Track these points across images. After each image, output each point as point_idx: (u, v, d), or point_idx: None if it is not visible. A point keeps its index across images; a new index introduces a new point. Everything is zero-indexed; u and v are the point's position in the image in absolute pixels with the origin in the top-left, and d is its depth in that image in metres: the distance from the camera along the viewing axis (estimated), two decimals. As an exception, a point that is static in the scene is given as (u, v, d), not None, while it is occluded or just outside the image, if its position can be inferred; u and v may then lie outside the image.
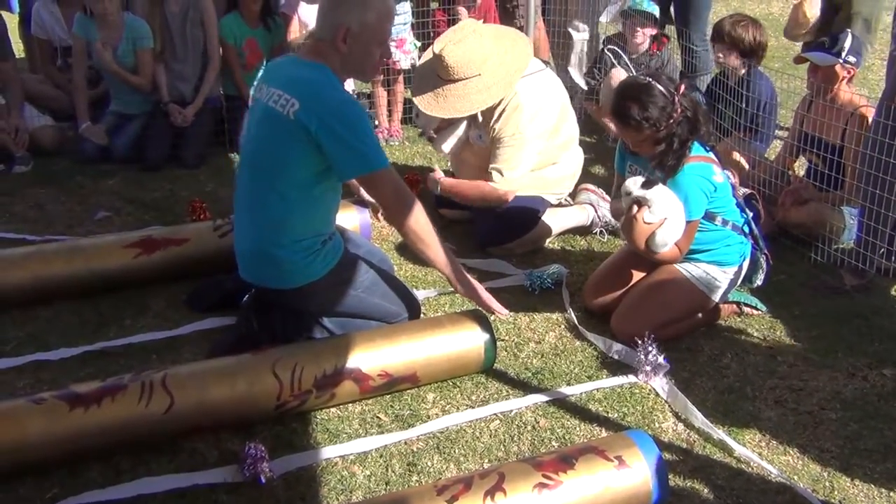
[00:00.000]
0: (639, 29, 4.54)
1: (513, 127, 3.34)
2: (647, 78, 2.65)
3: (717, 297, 2.88)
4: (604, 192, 3.71)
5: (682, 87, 2.66)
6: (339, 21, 2.45)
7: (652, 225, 2.68)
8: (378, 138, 2.52)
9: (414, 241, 2.62)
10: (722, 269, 2.85)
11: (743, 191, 2.93)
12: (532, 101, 3.37)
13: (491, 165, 3.41)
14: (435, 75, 3.35)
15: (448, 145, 3.60)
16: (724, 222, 2.82)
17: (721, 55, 4.04)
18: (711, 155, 2.80)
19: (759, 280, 3.00)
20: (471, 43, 3.27)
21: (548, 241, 3.62)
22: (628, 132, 2.69)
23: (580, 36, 5.15)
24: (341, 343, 2.52)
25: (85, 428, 2.17)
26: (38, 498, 2.13)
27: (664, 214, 2.67)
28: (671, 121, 2.61)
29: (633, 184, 2.70)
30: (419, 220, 2.57)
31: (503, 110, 3.35)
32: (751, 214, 2.91)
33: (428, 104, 3.37)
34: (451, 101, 3.28)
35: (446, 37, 3.33)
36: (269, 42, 4.51)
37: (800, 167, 3.87)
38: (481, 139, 3.50)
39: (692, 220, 2.72)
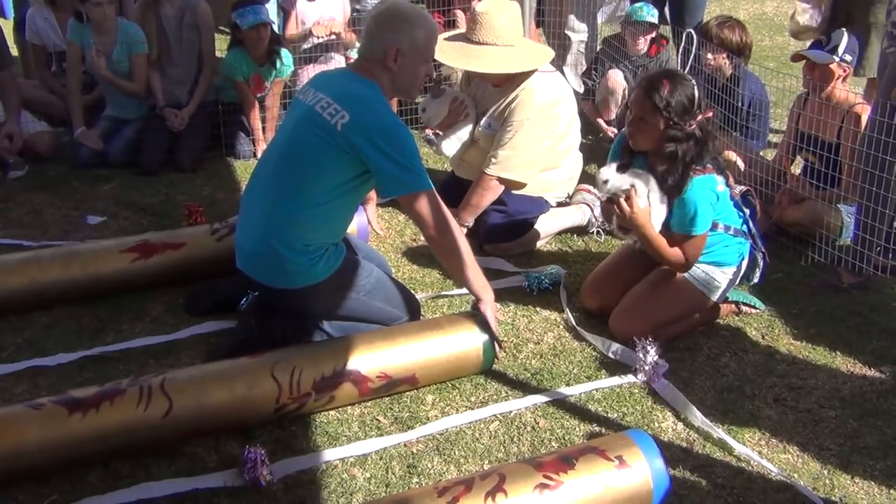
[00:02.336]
0: (640, 37, 4.55)
1: (526, 112, 3.36)
2: (693, 79, 2.66)
3: (715, 297, 2.88)
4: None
5: (710, 112, 2.68)
6: (390, 42, 2.54)
7: (646, 209, 2.70)
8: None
9: (449, 263, 2.72)
10: (721, 269, 2.85)
11: (739, 188, 2.93)
12: (548, 94, 3.41)
13: (493, 149, 3.42)
14: (464, 39, 3.38)
15: (451, 148, 3.60)
16: (726, 228, 2.82)
17: (710, 56, 4.05)
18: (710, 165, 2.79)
19: (756, 277, 3.00)
20: (512, 13, 3.35)
21: (545, 241, 3.62)
22: (644, 105, 2.65)
23: (577, 37, 5.16)
24: (340, 345, 2.52)
25: (84, 433, 2.16)
26: (37, 504, 2.13)
27: (645, 197, 2.70)
28: (686, 126, 2.61)
29: (611, 173, 2.70)
30: (457, 242, 2.63)
31: (519, 96, 3.37)
32: (748, 212, 2.91)
33: (462, 60, 3.37)
34: (487, 59, 3.27)
35: (486, 2, 3.36)
36: (274, 76, 4.49)
37: (796, 166, 3.88)
38: (490, 127, 3.49)
39: (700, 233, 2.71)
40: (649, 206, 2.72)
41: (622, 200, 2.69)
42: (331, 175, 2.55)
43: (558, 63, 5.26)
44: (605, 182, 2.74)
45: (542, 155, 3.47)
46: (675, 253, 2.76)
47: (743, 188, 2.94)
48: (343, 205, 2.67)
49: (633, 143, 2.77)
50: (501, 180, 3.42)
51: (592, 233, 3.66)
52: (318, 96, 2.58)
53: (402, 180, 2.54)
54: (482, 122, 3.53)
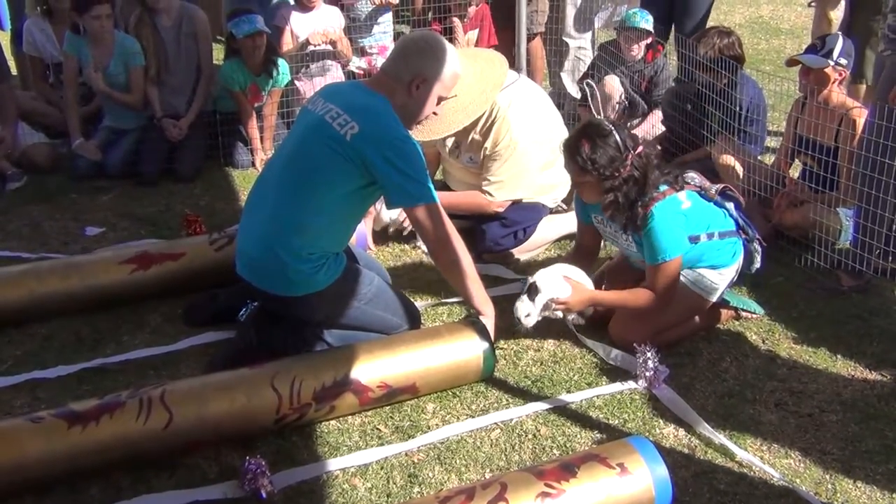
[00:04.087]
0: (635, 44, 4.56)
1: (506, 139, 3.35)
2: (612, 126, 2.65)
3: (714, 298, 2.88)
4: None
5: (641, 147, 2.65)
6: (420, 69, 2.60)
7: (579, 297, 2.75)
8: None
9: (452, 277, 2.73)
10: (717, 271, 2.85)
11: (714, 187, 2.92)
12: (516, 110, 3.37)
13: (485, 177, 3.42)
14: None
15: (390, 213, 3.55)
16: (709, 235, 2.80)
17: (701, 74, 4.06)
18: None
19: (755, 267, 2.98)
20: None
21: (544, 248, 3.62)
22: (574, 168, 2.69)
23: (575, 43, 5.17)
24: (340, 355, 2.51)
25: (84, 446, 2.15)
26: (38, 518, 2.12)
27: (566, 292, 2.73)
28: (618, 175, 2.61)
29: (527, 307, 2.74)
30: (459, 256, 2.65)
31: (489, 126, 3.36)
32: (732, 205, 2.89)
33: (414, 133, 3.35)
34: (428, 123, 3.20)
35: None
36: (270, 85, 4.49)
37: (794, 170, 3.88)
38: (472, 160, 3.50)
39: (669, 259, 2.67)
40: (566, 289, 2.74)
41: (561, 314, 2.77)
42: (338, 185, 2.56)
43: (556, 69, 5.28)
44: (528, 316, 2.75)
45: (538, 161, 3.47)
46: (640, 297, 2.74)
47: (718, 186, 2.93)
48: (348, 214, 2.69)
49: (583, 199, 2.86)
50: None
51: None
52: (328, 106, 2.60)
53: (409, 192, 2.56)
54: (463, 157, 3.52)
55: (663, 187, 2.69)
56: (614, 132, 2.62)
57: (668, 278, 2.69)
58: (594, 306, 2.84)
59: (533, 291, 2.74)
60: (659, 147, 4.45)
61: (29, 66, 4.96)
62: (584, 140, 2.62)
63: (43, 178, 4.31)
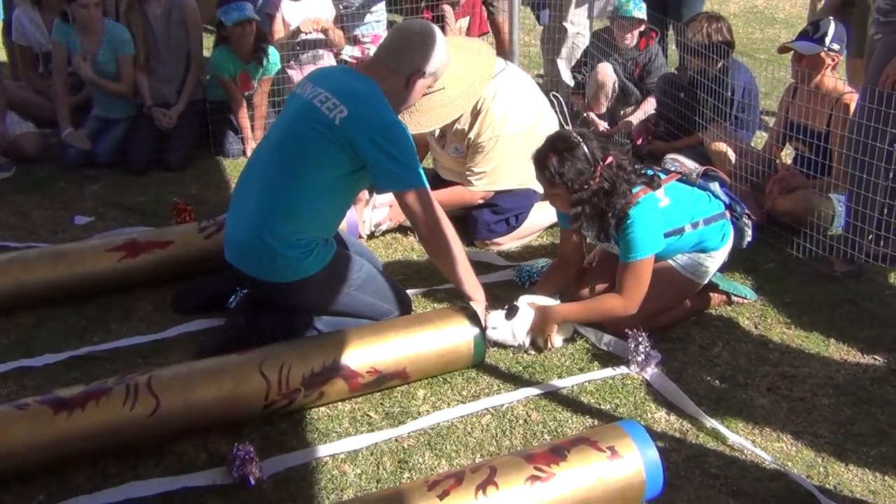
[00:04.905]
0: (628, 34, 4.54)
1: (488, 131, 3.33)
2: (580, 138, 2.61)
3: (704, 281, 2.87)
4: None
5: (610, 158, 2.61)
6: (420, 65, 2.61)
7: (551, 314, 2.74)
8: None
9: (441, 263, 2.71)
10: (707, 254, 2.83)
11: (697, 170, 2.90)
12: (501, 101, 3.34)
13: (468, 168, 3.41)
14: None
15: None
16: (694, 225, 2.77)
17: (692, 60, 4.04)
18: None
19: (748, 239, 2.95)
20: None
21: (536, 236, 3.61)
22: (543, 181, 2.67)
23: (573, 29, 5.13)
24: (329, 341, 2.50)
25: (70, 433, 2.13)
26: (23, 505, 2.10)
27: (528, 317, 2.71)
28: (586, 187, 2.58)
29: (497, 321, 2.72)
30: (449, 242, 2.63)
31: (475, 118, 3.33)
32: (716, 184, 2.87)
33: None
34: (416, 116, 3.19)
35: None
36: (260, 73, 4.46)
37: (787, 156, 3.87)
38: (458, 150, 3.48)
39: (640, 258, 2.63)
40: (529, 314, 2.72)
41: (542, 341, 2.74)
42: (327, 169, 2.54)
43: (550, 57, 5.25)
44: (494, 329, 2.72)
45: (522, 151, 3.44)
46: (607, 304, 2.71)
47: (700, 169, 2.90)
48: (337, 200, 2.66)
49: (557, 209, 2.84)
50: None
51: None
52: (317, 90, 2.57)
53: (398, 176, 2.54)
54: (449, 148, 3.50)
55: (637, 188, 2.64)
56: (582, 144, 2.58)
57: (636, 278, 2.65)
58: (572, 321, 2.79)
59: (511, 313, 2.73)
60: (652, 128, 4.44)
61: (18, 56, 4.92)
62: (552, 153, 2.59)
63: (32, 167, 4.28)
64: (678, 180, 2.84)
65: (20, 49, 4.83)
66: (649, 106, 4.60)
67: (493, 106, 3.32)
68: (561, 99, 4.48)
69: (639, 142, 4.46)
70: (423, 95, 3.13)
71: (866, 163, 2.93)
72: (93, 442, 2.17)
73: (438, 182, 3.66)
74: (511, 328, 2.72)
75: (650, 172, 2.73)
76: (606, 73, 4.63)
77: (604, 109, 4.75)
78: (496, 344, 2.75)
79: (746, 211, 2.93)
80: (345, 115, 2.49)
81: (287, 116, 2.67)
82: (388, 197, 3.50)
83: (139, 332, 2.84)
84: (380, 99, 2.56)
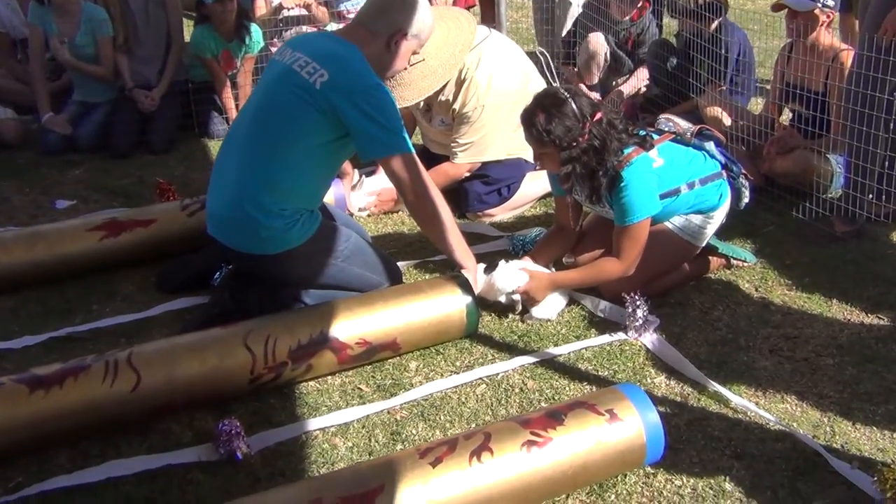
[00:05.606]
0: (626, 9, 4.45)
1: (474, 101, 3.25)
2: (567, 94, 2.52)
3: (702, 243, 2.79)
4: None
5: (599, 114, 2.52)
6: (400, 25, 2.52)
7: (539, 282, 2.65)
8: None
9: (430, 231, 2.64)
10: (704, 215, 2.75)
11: (690, 129, 2.81)
12: (485, 69, 3.25)
13: (454, 140, 3.33)
14: None
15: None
16: (690, 185, 2.69)
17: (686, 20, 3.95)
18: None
19: (745, 200, 2.88)
20: None
21: (529, 206, 3.53)
22: (531, 140, 2.58)
23: (578, 0, 5.01)
24: (316, 312, 2.42)
25: (47, 411, 2.05)
26: (0, 488, 2.01)
27: (522, 280, 2.63)
28: (575, 144, 2.49)
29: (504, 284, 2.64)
30: (438, 208, 2.55)
31: (459, 88, 3.25)
32: (712, 144, 2.78)
33: None
34: (398, 90, 3.12)
35: None
36: (243, 52, 4.36)
37: (784, 119, 3.78)
38: (444, 122, 3.40)
39: (636, 221, 2.55)
40: (523, 277, 2.64)
41: (527, 305, 2.67)
42: (308, 136, 2.45)
43: (545, 27, 5.14)
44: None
45: (510, 119, 3.35)
46: (605, 269, 2.64)
47: (694, 128, 2.82)
48: (321, 169, 2.57)
49: (547, 171, 2.75)
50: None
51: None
52: (296, 55, 2.49)
53: (382, 141, 2.45)
54: (434, 120, 3.42)
55: (629, 149, 2.56)
56: (570, 100, 2.49)
57: (634, 241, 2.58)
58: (564, 287, 2.71)
59: (491, 268, 2.66)
60: (644, 90, 4.35)
61: (-4, 43, 4.82)
62: (539, 111, 2.50)
63: (12, 153, 4.19)
64: (672, 140, 2.75)
65: (-3, 36, 4.73)
66: (642, 75, 4.52)
67: (476, 75, 3.23)
68: (548, 55, 4.38)
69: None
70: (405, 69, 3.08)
71: (866, 115, 2.84)
72: (72, 420, 2.08)
73: (427, 157, 3.57)
74: (492, 282, 2.63)
75: (642, 132, 2.65)
76: (598, 42, 4.55)
77: (595, 80, 4.66)
78: (494, 310, 2.66)
79: (743, 171, 2.84)
80: (325, 79, 2.40)
81: (266, 83, 2.58)
82: (377, 185, 3.42)
83: (122, 312, 2.76)
84: (362, 62, 2.47)
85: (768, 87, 4.06)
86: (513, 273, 2.64)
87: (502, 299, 2.67)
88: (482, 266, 2.68)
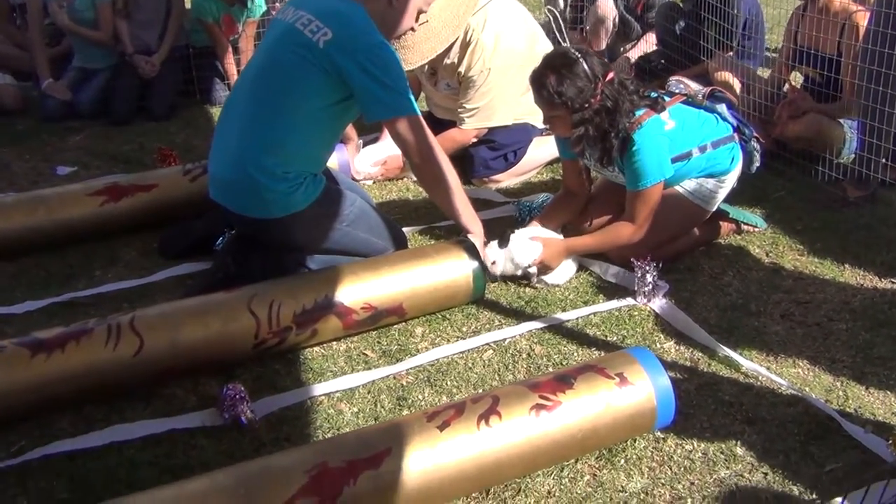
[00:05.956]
0: None
1: (480, 63, 3.18)
2: (578, 53, 2.45)
3: (713, 207, 2.74)
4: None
5: (611, 74, 2.45)
6: None
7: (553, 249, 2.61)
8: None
9: (435, 194, 2.58)
10: (716, 178, 2.70)
11: (701, 91, 2.75)
12: (491, 31, 3.18)
13: (461, 104, 3.27)
14: None
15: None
16: (702, 148, 2.63)
17: None
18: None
19: (756, 164, 2.82)
20: None
21: (535, 172, 3.47)
22: (541, 103, 2.51)
23: None
24: (321, 276, 2.38)
25: (49, 375, 2.02)
26: (3, 451, 1.99)
27: (536, 250, 2.58)
28: (587, 105, 2.42)
29: (496, 255, 2.59)
30: (444, 171, 2.49)
31: (465, 51, 3.18)
32: (724, 106, 2.72)
33: None
34: (401, 53, 3.04)
35: None
36: (245, 16, 4.28)
37: (795, 80, 3.71)
38: (450, 86, 3.33)
39: (649, 185, 2.50)
40: (537, 246, 2.59)
41: (540, 274, 2.62)
42: (312, 97, 2.40)
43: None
44: (493, 263, 2.60)
45: (517, 82, 3.29)
46: (620, 234, 2.59)
47: (706, 90, 2.76)
48: (324, 131, 2.52)
49: (557, 134, 2.68)
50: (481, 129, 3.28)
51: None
52: (299, 14, 2.42)
53: (387, 102, 2.39)
54: (440, 84, 3.35)
55: (640, 111, 2.50)
56: (581, 60, 2.42)
57: (647, 205, 2.54)
58: (578, 253, 2.68)
59: (504, 241, 2.59)
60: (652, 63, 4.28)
61: (-6, 9, 4.75)
62: (550, 72, 2.43)
63: (12, 120, 4.15)
64: (683, 102, 2.69)
65: (-6, 1, 4.66)
66: (651, 39, 4.43)
67: (482, 37, 3.16)
68: (557, 13, 4.30)
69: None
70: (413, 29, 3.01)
71: (882, 74, 2.77)
72: (74, 385, 2.06)
73: (433, 122, 3.51)
74: (510, 256, 2.59)
75: (654, 95, 2.59)
76: (607, 6, 4.46)
77: (603, 45, 4.58)
78: (502, 278, 2.62)
79: (755, 134, 2.79)
80: (329, 38, 2.34)
81: (268, 43, 2.52)
82: (383, 153, 3.37)
83: (124, 277, 2.73)
84: (366, 20, 2.40)
85: (776, 55, 3.99)
86: (528, 245, 2.59)
87: (518, 272, 2.62)
88: (494, 242, 2.62)
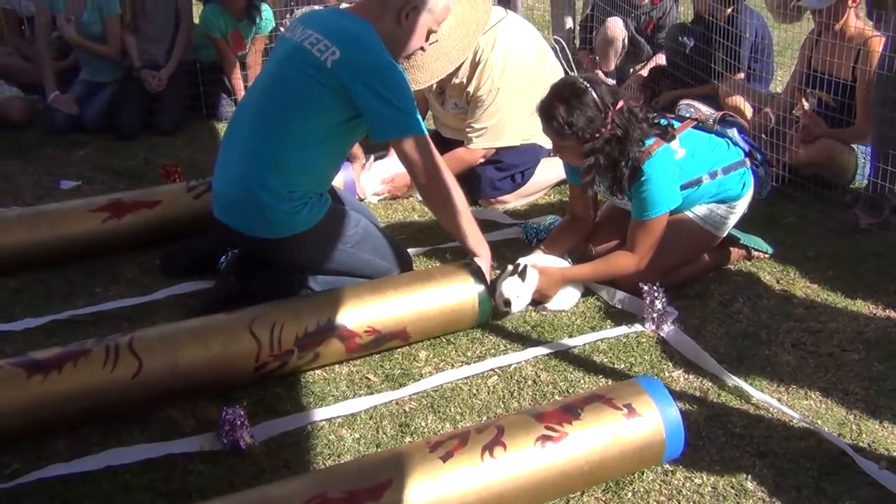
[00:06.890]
0: None
1: (489, 83, 3.16)
2: (587, 83, 2.42)
3: (723, 233, 2.70)
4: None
5: (621, 103, 2.42)
6: None
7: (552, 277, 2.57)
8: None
9: (442, 215, 2.55)
10: (727, 205, 2.66)
11: (713, 115, 2.72)
12: (500, 52, 3.16)
13: (468, 124, 3.24)
14: None
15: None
16: (712, 175, 2.59)
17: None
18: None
19: (767, 188, 2.79)
20: None
21: (543, 193, 3.44)
22: (551, 133, 2.48)
23: None
24: (324, 299, 2.34)
25: (45, 396, 1.98)
26: (-3, 474, 1.95)
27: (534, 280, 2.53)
28: (597, 136, 2.39)
29: (519, 289, 2.51)
30: (451, 193, 2.46)
31: (474, 71, 3.16)
32: (735, 131, 2.69)
33: None
34: (410, 72, 3.02)
35: None
36: (254, 32, 4.28)
37: (810, 108, 3.67)
38: (458, 106, 3.31)
39: (654, 216, 2.48)
40: (534, 275, 2.53)
41: (540, 302, 2.58)
42: (318, 116, 2.37)
43: (560, 11, 5.02)
44: (518, 297, 2.52)
45: (525, 103, 3.25)
46: (619, 263, 2.56)
47: (717, 114, 2.72)
48: (331, 151, 2.49)
49: (568, 163, 2.65)
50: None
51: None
52: (307, 32, 2.40)
53: (394, 122, 2.36)
54: (448, 104, 3.33)
55: (650, 141, 2.46)
56: (590, 90, 2.39)
57: (650, 236, 2.50)
58: (578, 281, 2.63)
59: (524, 273, 2.52)
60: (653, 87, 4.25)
61: (3, 22, 4.76)
62: (559, 102, 2.40)
63: (18, 133, 4.13)
64: (694, 127, 2.66)
65: (4, 14, 4.69)
66: (661, 60, 4.41)
67: (492, 57, 3.14)
68: (563, 43, 4.29)
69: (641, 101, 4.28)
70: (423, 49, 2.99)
71: (893, 118, 2.73)
72: (71, 406, 2.02)
73: (440, 142, 3.49)
74: (528, 291, 2.53)
75: (664, 122, 2.55)
76: (617, 27, 4.45)
77: (612, 66, 4.57)
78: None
79: (765, 159, 2.75)
80: (337, 58, 2.32)
81: (276, 60, 2.50)
82: (390, 170, 3.34)
83: (125, 295, 2.69)
84: (374, 40, 2.38)
85: (786, 79, 3.96)
86: (515, 283, 2.52)
87: (529, 292, 2.56)
88: (515, 278, 2.53)
